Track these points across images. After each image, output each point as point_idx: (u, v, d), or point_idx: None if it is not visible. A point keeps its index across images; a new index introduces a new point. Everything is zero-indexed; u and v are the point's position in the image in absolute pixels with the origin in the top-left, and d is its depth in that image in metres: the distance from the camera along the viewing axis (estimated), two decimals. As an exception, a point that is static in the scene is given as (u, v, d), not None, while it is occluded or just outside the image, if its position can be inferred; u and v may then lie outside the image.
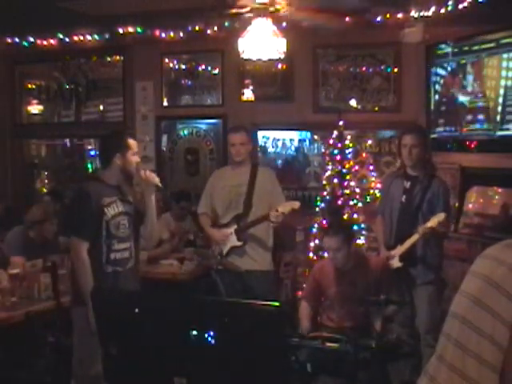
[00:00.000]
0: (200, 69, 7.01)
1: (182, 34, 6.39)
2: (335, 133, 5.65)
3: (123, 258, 3.64)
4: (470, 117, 5.25)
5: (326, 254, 5.10)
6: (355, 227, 5.30)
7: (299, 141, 6.74)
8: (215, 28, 6.11)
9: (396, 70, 6.21)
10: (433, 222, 4.06)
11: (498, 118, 4.91)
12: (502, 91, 4.85)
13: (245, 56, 4.94)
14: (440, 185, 4.33)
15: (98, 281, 3.41)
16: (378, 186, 5.56)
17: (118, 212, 3.62)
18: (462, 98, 5.32)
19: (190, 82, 7.08)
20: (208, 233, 4.96)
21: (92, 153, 7.88)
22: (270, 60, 5.12)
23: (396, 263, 4.23)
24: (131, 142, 3.71)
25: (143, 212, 3.78)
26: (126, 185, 3.76)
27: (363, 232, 5.48)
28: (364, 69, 6.33)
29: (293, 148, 6.71)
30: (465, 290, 1.13)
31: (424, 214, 4.24)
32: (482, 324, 1.07)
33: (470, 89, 5.22)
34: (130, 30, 6.28)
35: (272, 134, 6.75)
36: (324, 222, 5.48)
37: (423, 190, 4.29)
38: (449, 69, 5.48)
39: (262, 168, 4.99)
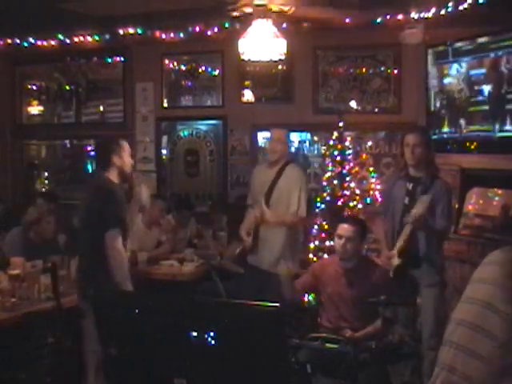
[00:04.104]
0: (200, 70, 7.02)
1: (182, 35, 6.40)
2: (335, 134, 5.64)
3: None
4: (469, 118, 5.25)
5: (325, 255, 5.10)
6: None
7: (299, 142, 6.75)
8: (215, 29, 6.11)
9: (396, 71, 6.22)
10: (419, 208, 4.00)
11: (498, 119, 4.91)
12: (501, 92, 4.85)
13: (245, 57, 4.94)
14: (443, 186, 4.30)
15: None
16: (378, 187, 5.56)
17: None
18: (462, 99, 5.32)
19: (190, 83, 7.09)
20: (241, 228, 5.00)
21: (92, 153, 7.87)
22: (270, 61, 5.12)
23: (395, 261, 4.21)
24: (125, 144, 4.04)
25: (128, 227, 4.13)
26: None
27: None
28: (364, 70, 6.34)
29: (293, 149, 6.71)
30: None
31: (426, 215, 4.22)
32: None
33: (469, 90, 5.22)
34: (131, 30, 6.29)
35: (272, 136, 6.74)
36: (324, 223, 5.48)
37: (426, 192, 4.27)
38: (449, 70, 5.48)
39: (289, 167, 4.86)
